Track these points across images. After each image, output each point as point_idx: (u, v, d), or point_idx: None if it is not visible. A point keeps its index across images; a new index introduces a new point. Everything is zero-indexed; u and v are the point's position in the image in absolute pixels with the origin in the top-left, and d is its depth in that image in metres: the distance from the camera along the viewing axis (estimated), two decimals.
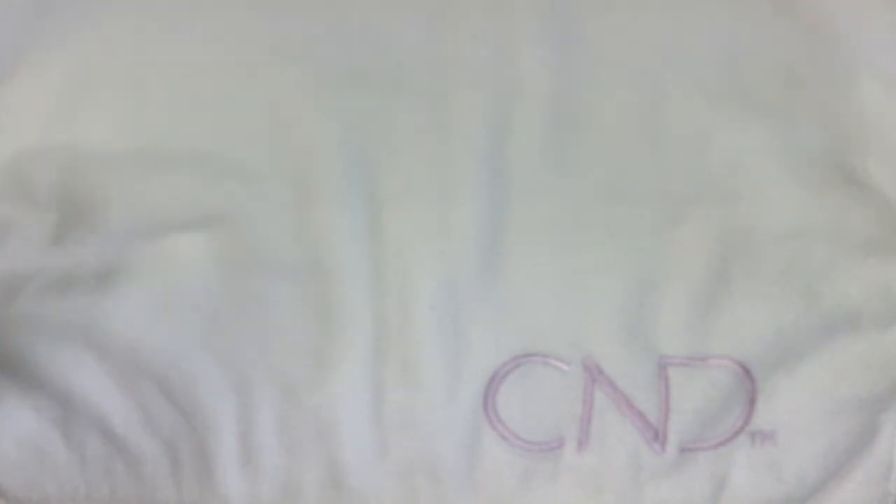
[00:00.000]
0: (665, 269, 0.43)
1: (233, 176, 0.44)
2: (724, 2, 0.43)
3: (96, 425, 0.43)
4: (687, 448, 0.43)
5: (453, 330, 0.44)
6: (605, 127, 0.43)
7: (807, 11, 0.43)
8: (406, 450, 0.44)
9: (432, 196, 0.44)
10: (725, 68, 0.43)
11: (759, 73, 0.43)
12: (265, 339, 0.44)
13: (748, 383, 0.43)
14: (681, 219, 0.43)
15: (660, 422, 0.43)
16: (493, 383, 0.44)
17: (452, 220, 0.44)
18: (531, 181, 0.44)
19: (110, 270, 0.43)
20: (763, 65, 0.43)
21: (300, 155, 0.45)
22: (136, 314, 0.43)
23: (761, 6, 0.43)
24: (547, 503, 0.44)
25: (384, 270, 0.44)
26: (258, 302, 0.44)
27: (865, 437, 0.43)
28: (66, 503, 0.40)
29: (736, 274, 0.43)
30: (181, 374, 0.43)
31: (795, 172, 0.43)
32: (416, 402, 0.44)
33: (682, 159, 0.43)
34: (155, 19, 0.45)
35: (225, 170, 0.44)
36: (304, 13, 0.45)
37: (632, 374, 0.43)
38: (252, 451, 0.45)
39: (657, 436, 0.44)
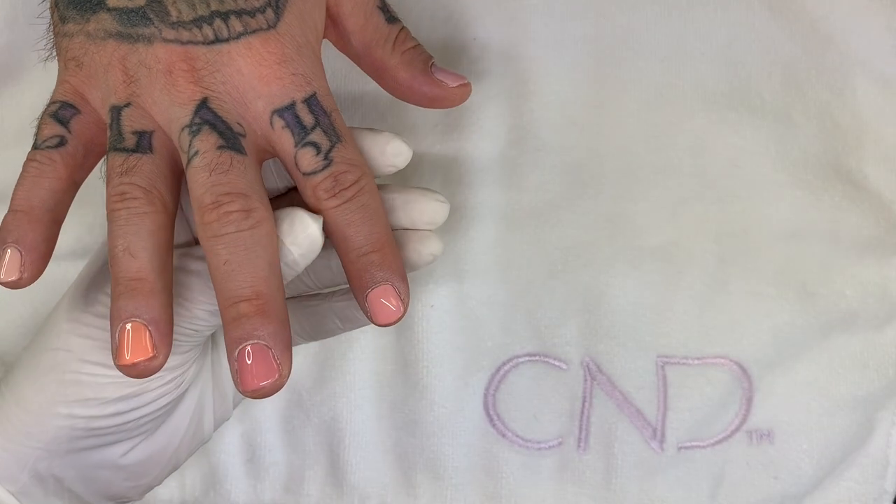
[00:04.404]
0: (662, 268, 0.44)
1: None
2: (721, 3, 0.43)
3: None
4: (684, 446, 0.44)
5: (453, 328, 0.44)
6: (603, 128, 0.43)
7: (803, 13, 0.43)
8: (406, 447, 0.45)
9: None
10: (722, 69, 0.43)
11: (755, 74, 0.43)
12: None
13: (745, 382, 0.44)
14: (678, 218, 0.43)
15: (658, 420, 0.44)
16: (493, 382, 0.44)
17: (453, 218, 0.44)
18: (532, 179, 0.44)
19: None
20: (759, 66, 0.43)
21: None
22: None
23: (758, 8, 0.43)
24: (546, 501, 0.44)
25: None
26: None
27: (861, 435, 0.44)
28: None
29: (733, 273, 0.43)
30: None
31: (792, 173, 0.43)
32: (417, 400, 0.44)
33: (679, 160, 0.43)
34: None
35: None
36: None
37: (630, 373, 0.44)
38: (254, 448, 0.45)
39: (655, 434, 0.44)
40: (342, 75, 0.43)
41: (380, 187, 0.36)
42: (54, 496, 0.37)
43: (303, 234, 0.33)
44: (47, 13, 0.36)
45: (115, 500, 0.39)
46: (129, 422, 0.36)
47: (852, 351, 0.44)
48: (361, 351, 0.44)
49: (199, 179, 0.32)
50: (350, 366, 0.44)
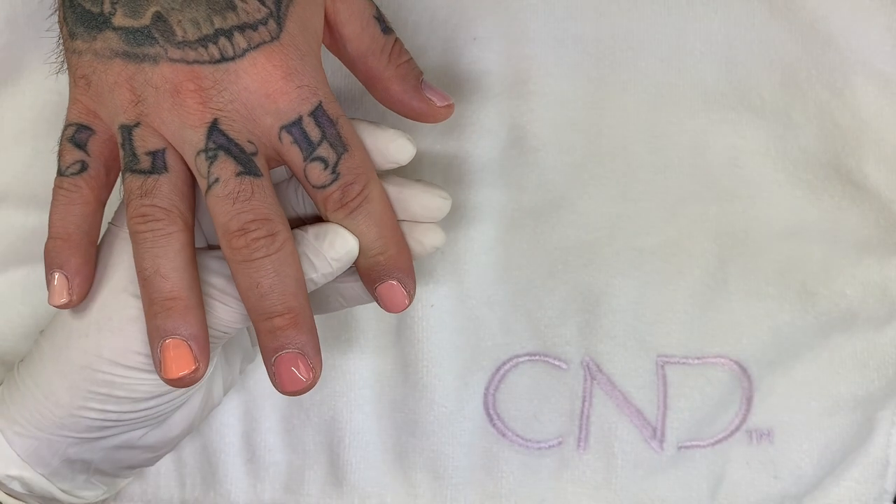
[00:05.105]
0: (662, 268, 0.44)
1: None
2: (721, 3, 0.43)
3: None
4: (684, 446, 0.44)
5: (454, 328, 0.44)
6: (603, 128, 0.43)
7: (803, 13, 0.43)
8: (406, 447, 0.45)
9: None
10: (722, 69, 0.43)
11: (755, 74, 0.43)
12: None
13: (745, 382, 0.44)
14: (678, 218, 0.44)
15: (658, 420, 0.44)
16: (494, 381, 0.44)
17: (453, 218, 0.44)
18: (532, 179, 0.44)
19: None
20: (759, 66, 0.43)
21: None
22: None
23: (758, 8, 0.43)
24: (546, 501, 0.44)
25: None
26: None
27: (861, 435, 0.44)
28: (69, 500, 0.40)
29: (733, 273, 0.43)
30: None
31: (791, 173, 0.43)
32: (417, 399, 0.44)
33: (679, 159, 0.43)
34: None
35: None
36: None
37: (630, 373, 0.44)
38: (255, 448, 0.45)
39: (655, 434, 0.44)
40: (344, 73, 0.43)
41: (382, 178, 0.37)
42: (80, 473, 0.39)
43: (343, 251, 0.36)
44: (56, 26, 0.36)
45: (133, 468, 0.41)
46: (159, 413, 0.38)
47: (852, 351, 0.44)
48: (361, 350, 0.44)
49: (224, 208, 0.34)
50: (350, 365, 0.44)
